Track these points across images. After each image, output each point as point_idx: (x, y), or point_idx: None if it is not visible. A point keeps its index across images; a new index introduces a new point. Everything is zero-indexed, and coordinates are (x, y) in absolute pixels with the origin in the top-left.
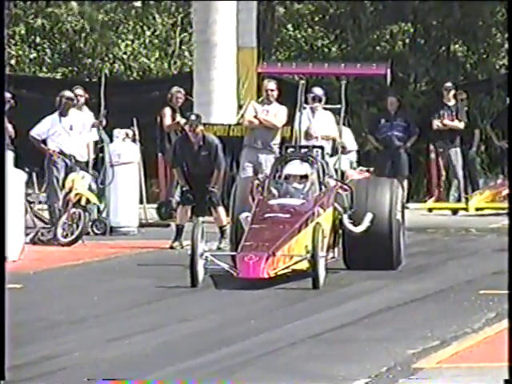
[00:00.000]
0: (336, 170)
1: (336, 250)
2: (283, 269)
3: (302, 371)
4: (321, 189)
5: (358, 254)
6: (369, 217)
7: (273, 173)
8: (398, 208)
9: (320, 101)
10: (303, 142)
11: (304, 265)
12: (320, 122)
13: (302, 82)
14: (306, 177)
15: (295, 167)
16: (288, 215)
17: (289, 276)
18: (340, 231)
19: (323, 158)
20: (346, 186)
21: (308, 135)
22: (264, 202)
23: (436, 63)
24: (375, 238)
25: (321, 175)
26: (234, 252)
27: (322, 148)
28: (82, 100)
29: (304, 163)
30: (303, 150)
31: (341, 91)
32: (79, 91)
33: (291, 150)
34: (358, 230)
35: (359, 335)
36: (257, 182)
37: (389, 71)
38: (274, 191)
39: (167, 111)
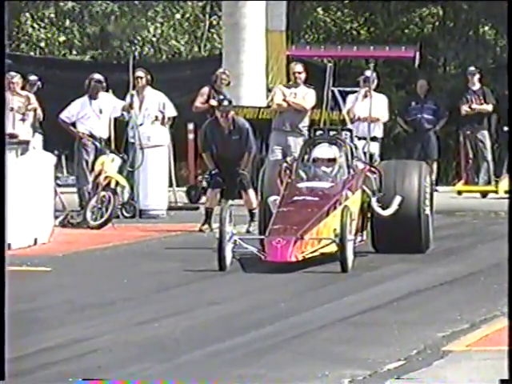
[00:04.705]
0: (365, 154)
1: (364, 233)
2: (311, 252)
3: (331, 354)
4: (349, 172)
5: (386, 238)
6: (397, 200)
7: (301, 156)
8: (427, 191)
9: (372, 83)
10: (349, 124)
11: (332, 248)
12: (368, 105)
13: (330, 64)
14: (334, 160)
15: (323, 150)
16: (316, 198)
17: (317, 259)
18: (368, 214)
19: (352, 140)
20: (374, 169)
21: (349, 117)
22: (292, 185)
23: (465, 46)
24: (404, 222)
25: (349, 158)
26: (262, 235)
27: (350, 131)
28: (144, 81)
29: (332, 146)
30: (332, 133)
31: (364, 78)
32: (140, 73)
33: (319, 132)
34: (387, 213)
35: (388, 318)
36: (285, 165)
37: (417, 54)
38: (303, 174)
39: (204, 91)
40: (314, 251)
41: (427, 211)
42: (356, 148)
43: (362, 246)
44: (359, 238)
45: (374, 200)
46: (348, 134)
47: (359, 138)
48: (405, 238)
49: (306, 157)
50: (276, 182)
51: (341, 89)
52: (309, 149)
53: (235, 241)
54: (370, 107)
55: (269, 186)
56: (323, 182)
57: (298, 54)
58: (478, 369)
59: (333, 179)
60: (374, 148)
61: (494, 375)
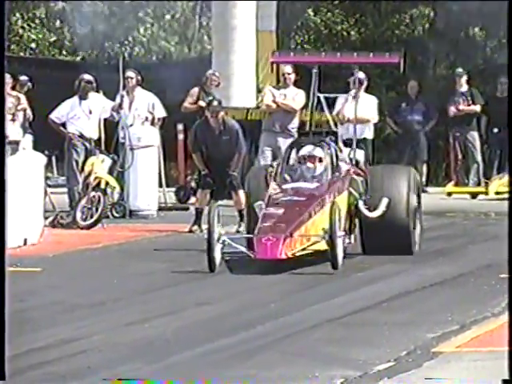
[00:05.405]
0: (351, 160)
1: (352, 236)
2: (301, 250)
3: (321, 355)
4: (334, 173)
5: (375, 241)
6: (385, 202)
7: (286, 158)
8: (415, 194)
9: (361, 84)
10: (339, 126)
11: (321, 246)
12: (358, 106)
13: (315, 70)
14: (320, 159)
15: (309, 148)
16: (303, 198)
17: (308, 260)
18: (355, 218)
19: (336, 143)
20: (360, 171)
21: (339, 118)
22: (278, 186)
23: (455, 48)
24: (392, 224)
25: (334, 160)
26: (250, 235)
27: (335, 134)
28: (134, 82)
29: (317, 148)
30: (317, 136)
31: (354, 79)
32: (130, 73)
33: (304, 135)
34: (374, 215)
35: (378, 319)
36: (270, 168)
37: (402, 60)
38: (287, 177)
39: (194, 91)
40: (303, 249)
41: (415, 214)
42: (341, 150)
43: (351, 249)
44: (347, 241)
45: (361, 202)
46: (333, 137)
47: (346, 140)
48: (394, 241)
49: (291, 159)
50: (262, 186)
51: (326, 95)
52: (294, 150)
53: (224, 241)
54: (355, 110)
55: (255, 192)
56: (309, 182)
57: (282, 61)
58: (468, 370)
59: (319, 179)
60: (360, 155)
61: (485, 376)
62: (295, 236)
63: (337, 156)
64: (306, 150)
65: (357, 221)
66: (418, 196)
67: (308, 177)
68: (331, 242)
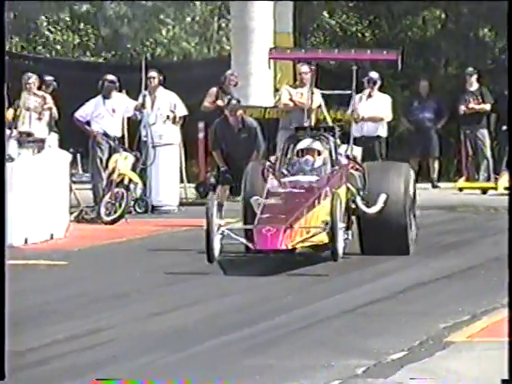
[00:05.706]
0: (348, 157)
1: (349, 232)
2: (300, 241)
3: (336, 345)
4: (333, 166)
5: (372, 238)
6: (382, 198)
7: (284, 152)
8: (411, 191)
9: (375, 84)
10: (353, 125)
11: (321, 238)
12: (372, 105)
13: (312, 67)
14: (318, 152)
15: (307, 142)
16: (303, 190)
17: (319, 256)
18: (353, 216)
19: (334, 138)
20: (358, 166)
21: (353, 117)
22: (277, 179)
23: (466, 48)
24: (389, 221)
25: (333, 154)
26: (250, 226)
27: (332, 128)
28: (156, 82)
29: (316, 141)
30: (314, 131)
31: (352, 77)
32: (153, 74)
33: (302, 130)
34: (372, 211)
35: (392, 310)
36: (268, 163)
37: (399, 57)
38: (286, 171)
39: (212, 91)
40: (303, 240)
41: (410, 212)
42: (339, 145)
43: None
44: (345, 236)
45: (358, 198)
46: (331, 132)
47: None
48: (390, 238)
49: (289, 154)
50: (259, 182)
51: (325, 92)
52: (292, 145)
53: (223, 232)
54: (352, 109)
55: (251, 187)
56: (308, 176)
57: (279, 57)
58: (479, 359)
59: (318, 173)
60: (357, 152)
61: (495, 365)
62: (295, 227)
63: (335, 150)
64: (305, 143)
65: (353, 218)
66: (414, 193)
67: (307, 170)
68: (332, 234)
